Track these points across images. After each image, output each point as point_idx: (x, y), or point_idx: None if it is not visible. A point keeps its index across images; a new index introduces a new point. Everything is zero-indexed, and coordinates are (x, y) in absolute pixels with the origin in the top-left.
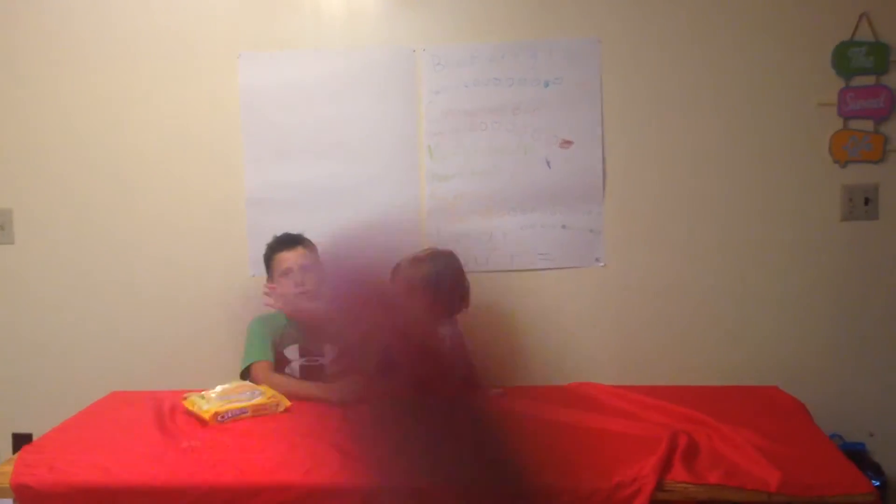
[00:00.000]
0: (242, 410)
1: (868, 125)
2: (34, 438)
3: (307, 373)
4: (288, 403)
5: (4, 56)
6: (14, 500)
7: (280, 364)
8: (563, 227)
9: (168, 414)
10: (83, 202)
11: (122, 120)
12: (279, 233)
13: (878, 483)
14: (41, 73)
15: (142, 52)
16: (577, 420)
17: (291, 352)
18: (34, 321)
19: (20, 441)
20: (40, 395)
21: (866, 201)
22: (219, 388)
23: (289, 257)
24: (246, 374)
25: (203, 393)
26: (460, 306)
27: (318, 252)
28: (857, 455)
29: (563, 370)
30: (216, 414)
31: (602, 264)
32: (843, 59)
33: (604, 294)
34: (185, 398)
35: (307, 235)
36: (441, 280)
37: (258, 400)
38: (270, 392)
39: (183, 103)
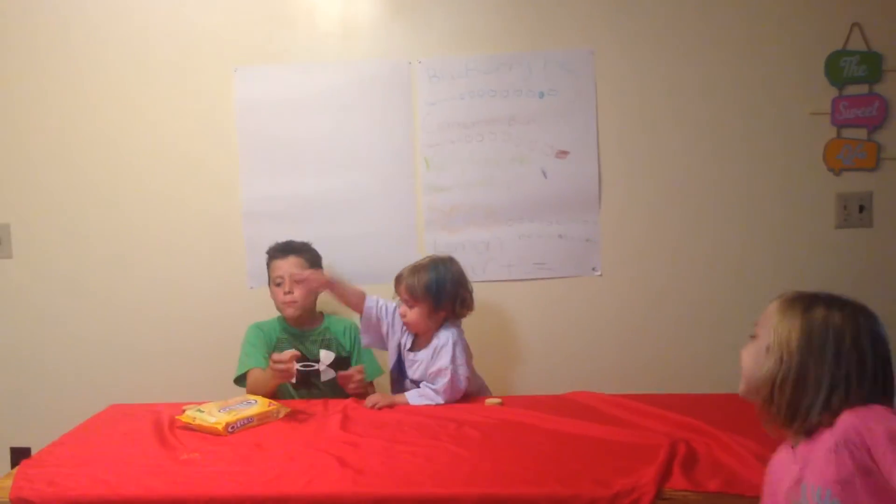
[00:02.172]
0: (249, 419)
1: (861, 133)
2: (33, 453)
3: (302, 378)
4: (287, 410)
5: (1, 73)
6: None
7: None
8: (560, 236)
9: (167, 426)
10: (81, 216)
11: (119, 134)
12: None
13: None
14: (38, 89)
15: (138, 67)
16: (576, 429)
17: None
18: (32, 335)
19: (18, 455)
20: (39, 409)
21: (861, 209)
22: (215, 402)
23: (281, 266)
24: (241, 381)
25: (201, 406)
26: (464, 310)
27: (318, 260)
28: None
29: (561, 379)
30: (227, 424)
31: (599, 273)
32: (836, 68)
33: (601, 303)
34: (183, 411)
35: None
36: (442, 286)
37: (260, 409)
38: (266, 400)
39: (179, 117)
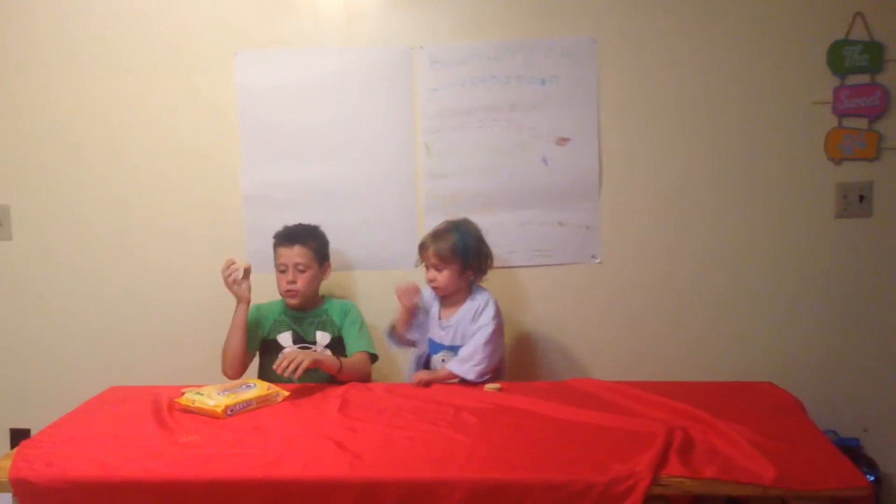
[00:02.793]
0: (248, 403)
1: (863, 123)
2: (32, 434)
3: None
4: (286, 393)
5: (1, 57)
6: (13, 495)
7: (273, 350)
8: (560, 223)
9: (166, 409)
10: (81, 199)
11: (119, 118)
12: (281, 228)
13: (872, 478)
14: (39, 72)
15: (139, 51)
16: (574, 415)
17: (285, 338)
18: (32, 317)
19: (18, 436)
20: (38, 391)
21: (861, 199)
22: (214, 385)
23: (284, 254)
24: None
25: (200, 389)
26: (487, 265)
27: (325, 247)
28: (852, 451)
29: (560, 366)
30: (227, 407)
31: (598, 261)
32: (838, 57)
33: (600, 290)
34: (182, 393)
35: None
36: (468, 245)
37: (259, 392)
38: (265, 384)
39: (180, 102)
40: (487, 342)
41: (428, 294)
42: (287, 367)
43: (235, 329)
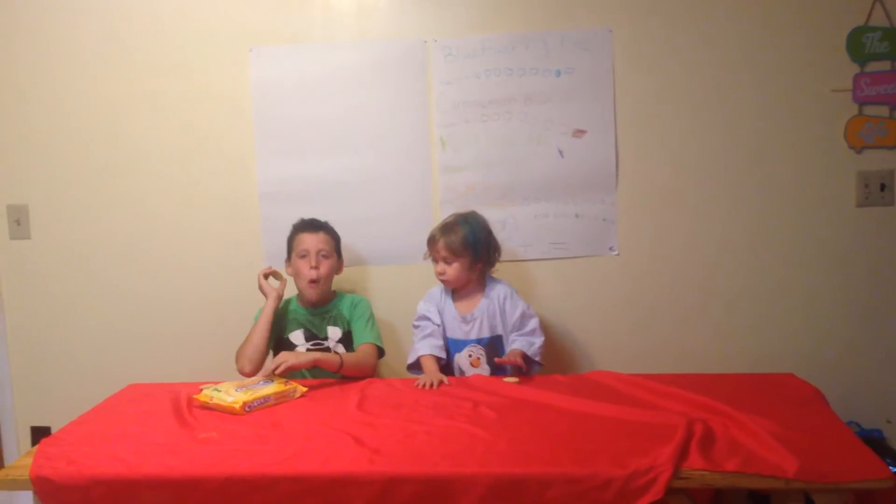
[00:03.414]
0: (266, 399)
1: (883, 111)
2: (53, 431)
3: None
4: (304, 389)
5: (17, 55)
6: (34, 493)
7: (286, 348)
8: (577, 216)
9: (185, 405)
10: (98, 198)
11: (135, 116)
12: (298, 220)
13: (895, 470)
14: (54, 71)
15: (153, 49)
16: (592, 409)
17: (296, 336)
18: (51, 315)
19: (39, 434)
20: (58, 389)
21: (882, 187)
22: (232, 382)
23: (308, 240)
24: None
25: (218, 386)
26: (496, 256)
27: (340, 243)
28: (875, 442)
29: (577, 359)
30: (245, 404)
31: (616, 253)
32: (858, 44)
33: (618, 282)
34: (200, 390)
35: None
36: (478, 237)
37: (277, 388)
38: (283, 380)
39: (194, 98)
40: (539, 331)
41: (437, 294)
42: (272, 369)
43: (263, 323)
